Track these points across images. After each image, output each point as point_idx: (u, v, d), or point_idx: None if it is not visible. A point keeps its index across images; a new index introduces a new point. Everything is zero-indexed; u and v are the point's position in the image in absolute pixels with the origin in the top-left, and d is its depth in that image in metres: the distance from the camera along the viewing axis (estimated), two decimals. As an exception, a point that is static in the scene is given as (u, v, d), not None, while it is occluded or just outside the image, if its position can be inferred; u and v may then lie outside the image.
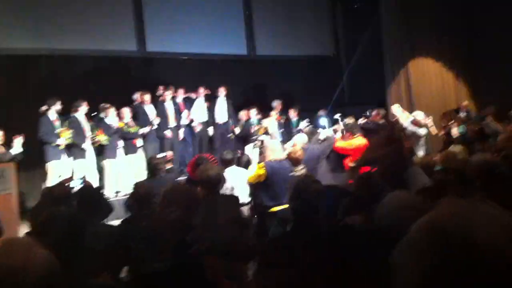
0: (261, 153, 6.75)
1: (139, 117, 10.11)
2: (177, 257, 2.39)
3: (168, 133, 10.30)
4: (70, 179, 5.70)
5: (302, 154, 6.61)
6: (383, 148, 4.15)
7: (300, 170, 6.62)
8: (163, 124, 10.27)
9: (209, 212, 2.33)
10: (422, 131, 8.88)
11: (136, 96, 10.52)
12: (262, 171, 6.22)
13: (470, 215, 0.99)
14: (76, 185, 5.55)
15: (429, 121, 10.08)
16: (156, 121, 10.02)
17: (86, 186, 5.49)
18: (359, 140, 7.81)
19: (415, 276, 1.02)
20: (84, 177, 6.41)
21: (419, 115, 9.27)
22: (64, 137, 8.82)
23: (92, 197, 4.61)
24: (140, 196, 4.57)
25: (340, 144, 7.80)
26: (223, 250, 2.13)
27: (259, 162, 6.62)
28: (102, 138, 9.09)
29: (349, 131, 8.07)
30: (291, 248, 2.60)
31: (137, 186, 4.89)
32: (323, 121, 9.38)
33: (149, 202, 4.72)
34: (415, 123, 8.94)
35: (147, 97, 10.25)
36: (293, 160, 6.58)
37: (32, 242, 1.79)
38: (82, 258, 2.49)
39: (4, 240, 1.90)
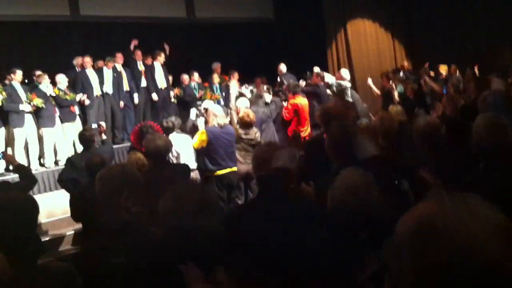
0: (206, 122, 6.74)
1: (80, 82, 9.80)
2: (141, 251, 2.22)
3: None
4: None
5: (254, 117, 6.66)
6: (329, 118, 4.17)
7: (255, 133, 6.67)
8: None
9: (168, 192, 2.19)
10: (348, 84, 9.08)
11: (76, 61, 10.19)
12: (204, 137, 6.34)
13: (459, 212, 1.00)
14: None
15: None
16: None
17: None
18: (300, 100, 8.12)
19: (405, 277, 1.03)
20: (4, 151, 6.09)
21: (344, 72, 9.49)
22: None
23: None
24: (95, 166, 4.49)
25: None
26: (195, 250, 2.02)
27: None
28: (38, 101, 8.74)
29: (290, 91, 8.26)
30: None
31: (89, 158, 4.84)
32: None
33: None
34: (339, 78, 9.14)
35: (88, 59, 9.93)
36: (246, 123, 6.62)
37: None
38: None
39: None
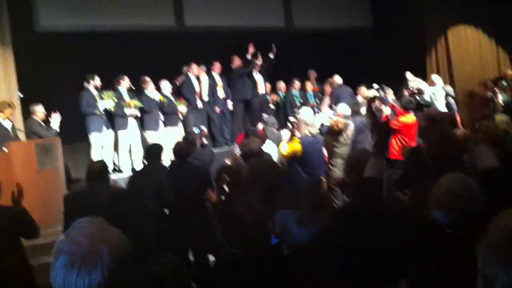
0: (292, 134, 6.63)
1: (187, 87, 10.41)
2: (261, 249, 2.25)
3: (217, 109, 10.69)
4: None
5: (344, 126, 6.59)
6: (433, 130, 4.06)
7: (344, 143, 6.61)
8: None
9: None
10: (438, 90, 8.89)
11: (185, 68, 10.69)
12: (299, 147, 6.05)
13: None
14: None
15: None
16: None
17: None
18: (410, 118, 7.51)
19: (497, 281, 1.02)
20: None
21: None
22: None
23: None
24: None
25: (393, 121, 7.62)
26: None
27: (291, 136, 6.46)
28: (135, 102, 9.30)
29: (403, 106, 7.77)
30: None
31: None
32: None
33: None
34: (431, 84, 8.92)
35: (194, 67, 10.55)
36: (335, 131, 6.57)
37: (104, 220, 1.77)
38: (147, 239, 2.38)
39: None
